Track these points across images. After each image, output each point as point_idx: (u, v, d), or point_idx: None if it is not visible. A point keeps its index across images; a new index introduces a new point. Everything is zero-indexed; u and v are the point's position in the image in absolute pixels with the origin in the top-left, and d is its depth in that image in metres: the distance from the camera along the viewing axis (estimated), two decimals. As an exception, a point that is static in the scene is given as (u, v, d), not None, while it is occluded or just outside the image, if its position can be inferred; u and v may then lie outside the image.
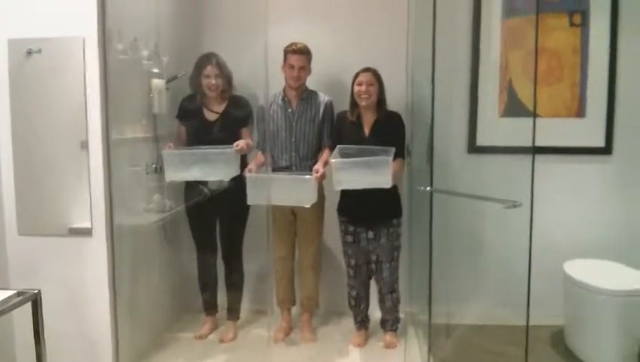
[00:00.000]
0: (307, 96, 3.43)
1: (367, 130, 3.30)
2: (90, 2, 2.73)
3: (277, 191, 3.17)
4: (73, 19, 2.75)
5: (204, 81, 3.36)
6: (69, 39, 2.78)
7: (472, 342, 3.30)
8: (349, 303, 3.47)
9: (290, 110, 3.41)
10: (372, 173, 3.02)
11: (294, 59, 3.32)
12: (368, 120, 3.30)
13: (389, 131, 3.24)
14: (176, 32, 3.74)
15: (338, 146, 3.19)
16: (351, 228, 3.35)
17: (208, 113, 3.42)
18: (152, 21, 3.45)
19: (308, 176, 3.21)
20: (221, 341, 3.46)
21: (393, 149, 3.09)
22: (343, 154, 3.15)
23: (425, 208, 2.85)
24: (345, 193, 3.30)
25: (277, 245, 3.44)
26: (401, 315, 3.45)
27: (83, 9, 2.74)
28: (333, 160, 3.11)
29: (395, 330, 3.41)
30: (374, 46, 3.62)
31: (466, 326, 3.46)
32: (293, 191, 3.22)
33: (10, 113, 2.83)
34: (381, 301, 3.40)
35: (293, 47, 3.32)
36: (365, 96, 3.22)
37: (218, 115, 3.42)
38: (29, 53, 2.82)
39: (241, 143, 3.25)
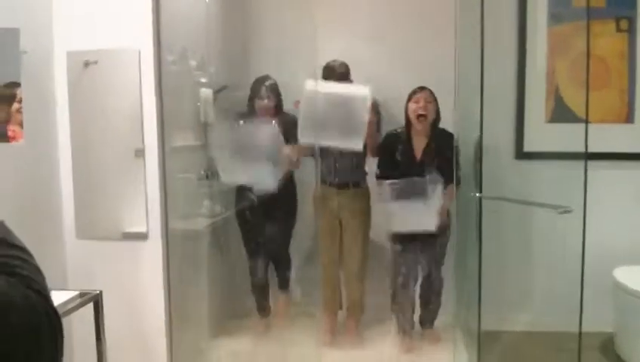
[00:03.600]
0: None
1: (418, 154, 3.28)
2: (146, 15, 2.82)
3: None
4: (129, 32, 2.84)
5: (257, 103, 3.45)
6: (124, 51, 2.86)
7: (521, 348, 3.28)
8: (392, 309, 3.49)
9: None
10: (421, 214, 3.09)
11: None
12: (420, 142, 3.29)
13: (440, 155, 3.18)
14: (224, 42, 3.82)
15: (388, 183, 3.19)
16: (400, 251, 3.36)
17: None
18: (201, 32, 3.53)
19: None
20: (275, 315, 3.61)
21: (441, 182, 3.09)
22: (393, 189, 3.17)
23: (473, 214, 2.86)
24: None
25: (323, 251, 3.47)
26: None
27: (139, 22, 2.83)
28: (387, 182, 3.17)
29: (432, 326, 3.50)
30: (422, 59, 3.61)
31: (516, 332, 3.44)
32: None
33: (69, 122, 2.93)
34: (425, 303, 3.46)
35: (329, 71, 3.35)
36: (422, 112, 3.19)
37: None
38: (87, 64, 2.92)
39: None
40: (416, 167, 3.22)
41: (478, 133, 2.86)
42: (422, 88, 3.25)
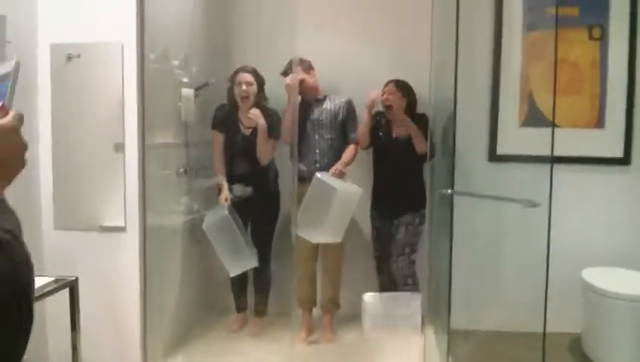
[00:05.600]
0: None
1: (394, 132, 3.63)
2: (130, 9, 2.86)
3: None
4: (112, 26, 2.88)
5: (237, 89, 3.48)
6: (107, 44, 2.90)
7: (490, 346, 3.34)
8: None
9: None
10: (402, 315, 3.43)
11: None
12: (396, 123, 3.61)
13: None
14: (206, 42, 3.87)
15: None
16: (377, 224, 3.66)
17: (243, 125, 3.57)
18: (183, 32, 3.58)
19: None
20: (251, 335, 3.61)
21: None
22: None
23: (446, 213, 2.92)
24: (377, 188, 3.68)
25: (300, 247, 3.51)
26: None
27: (122, 15, 2.87)
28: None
29: None
30: (399, 57, 3.75)
31: (485, 331, 3.50)
32: None
33: (50, 115, 2.96)
34: (398, 284, 3.63)
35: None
36: (387, 103, 3.55)
37: (252, 128, 3.54)
38: (69, 58, 2.94)
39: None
40: (392, 144, 3.62)
41: (452, 135, 2.92)
42: (389, 82, 3.58)
